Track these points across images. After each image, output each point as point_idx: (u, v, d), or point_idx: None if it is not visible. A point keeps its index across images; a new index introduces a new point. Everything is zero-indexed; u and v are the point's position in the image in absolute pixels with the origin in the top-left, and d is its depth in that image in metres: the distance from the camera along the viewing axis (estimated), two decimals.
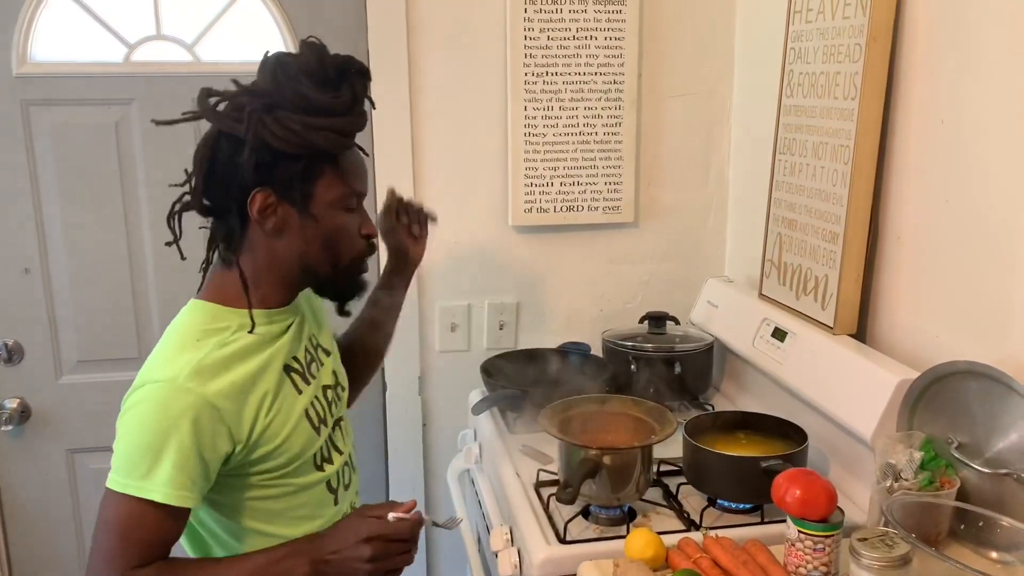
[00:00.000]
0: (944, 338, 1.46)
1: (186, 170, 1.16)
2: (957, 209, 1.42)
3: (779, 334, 1.75)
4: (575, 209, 2.11)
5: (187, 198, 1.17)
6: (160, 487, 1.07)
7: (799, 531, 1.20)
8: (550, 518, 1.47)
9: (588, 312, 2.20)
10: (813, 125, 1.70)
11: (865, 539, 1.11)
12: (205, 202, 1.15)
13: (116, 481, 1.09)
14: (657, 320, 1.99)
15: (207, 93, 1.13)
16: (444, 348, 2.15)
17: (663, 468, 1.60)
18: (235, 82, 1.14)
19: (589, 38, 2.03)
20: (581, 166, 2.09)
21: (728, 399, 2.01)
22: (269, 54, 1.14)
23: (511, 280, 2.13)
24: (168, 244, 1.18)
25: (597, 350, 2.03)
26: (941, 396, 1.35)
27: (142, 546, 1.09)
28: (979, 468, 1.27)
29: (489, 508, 1.67)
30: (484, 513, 1.71)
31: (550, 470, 1.60)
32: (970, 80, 1.38)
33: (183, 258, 1.20)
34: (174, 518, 1.11)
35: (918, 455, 1.28)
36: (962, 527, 1.26)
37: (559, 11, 2.01)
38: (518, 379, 1.92)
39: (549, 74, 2.03)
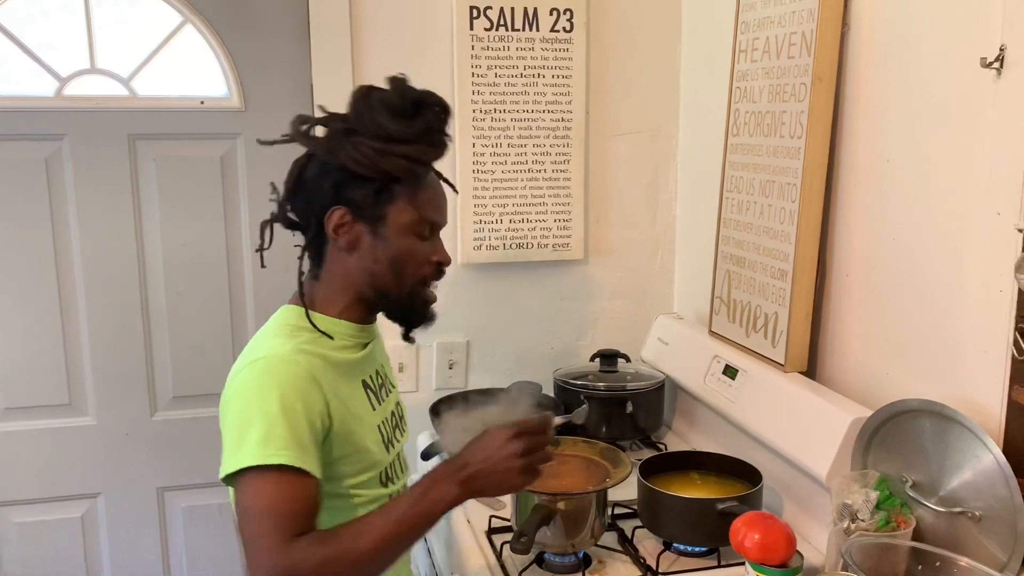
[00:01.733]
0: (895, 375, 1.46)
1: (272, 183, 1.28)
2: (904, 247, 1.43)
3: (730, 371, 1.74)
4: (525, 247, 2.09)
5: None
6: (280, 451, 1.09)
7: None
8: (503, 567, 1.42)
9: (539, 350, 2.17)
10: (760, 163, 1.71)
11: None
12: (290, 216, 1.25)
13: (237, 460, 1.09)
14: (608, 358, 1.97)
15: (301, 120, 1.24)
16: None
17: (617, 511, 1.57)
18: (322, 108, 1.25)
19: (537, 75, 2.03)
20: (530, 203, 2.07)
21: (680, 437, 1.99)
22: (359, 87, 1.23)
23: (461, 319, 2.10)
24: (257, 250, 1.25)
25: (548, 389, 2.00)
26: (894, 434, 1.35)
27: (287, 518, 1.08)
28: (934, 507, 1.26)
29: (439, 557, 1.61)
30: (434, 563, 1.65)
31: (502, 516, 1.55)
32: (913, 119, 1.40)
33: (263, 266, 1.30)
34: (303, 485, 1.11)
35: (874, 495, 1.27)
36: (919, 567, 1.25)
37: (506, 48, 2.00)
38: (467, 420, 1.87)
39: (497, 111, 2.02)
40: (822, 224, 1.59)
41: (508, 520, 1.52)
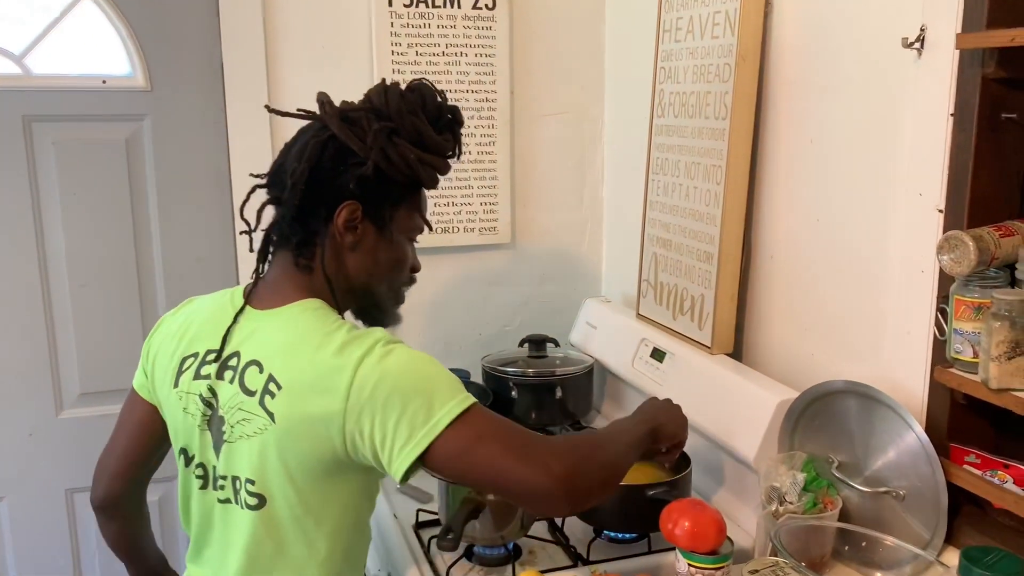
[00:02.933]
0: (820, 357, 1.46)
1: (280, 166, 1.17)
2: (827, 228, 1.44)
3: (658, 354, 1.73)
4: (451, 231, 2.04)
5: (270, 191, 1.18)
6: (467, 393, 1.08)
7: (689, 564, 1.16)
8: (431, 562, 1.39)
9: (467, 337, 2.13)
10: (685, 145, 1.69)
11: (756, 571, 1.08)
12: (300, 198, 1.15)
13: (447, 412, 1.04)
14: (537, 344, 1.94)
15: (328, 99, 1.18)
16: None
17: None
18: (369, 99, 1.18)
19: (459, 54, 1.97)
20: (456, 187, 2.02)
21: (610, 420, 1.97)
22: (388, 83, 1.19)
23: None
24: (242, 233, 1.19)
25: (477, 376, 1.96)
26: (821, 415, 1.35)
27: (523, 428, 1.10)
28: (859, 487, 1.27)
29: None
30: None
31: (430, 509, 1.51)
32: (835, 100, 1.40)
33: (252, 250, 1.21)
34: None
35: (801, 477, 1.28)
36: (846, 548, 1.26)
37: (427, 26, 1.94)
38: None
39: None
40: (747, 206, 1.58)
41: (436, 514, 1.48)
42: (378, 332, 1.12)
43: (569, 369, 1.88)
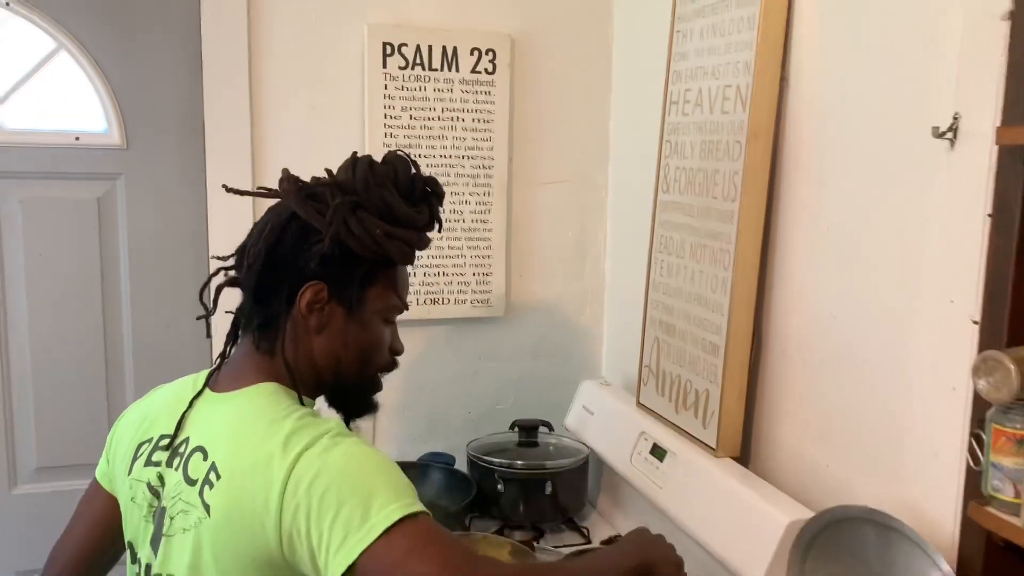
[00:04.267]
0: (835, 468, 1.32)
1: (239, 248, 1.11)
2: (844, 326, 1.30)
3: (658, 452, 1.58)
4: (440, 302, 1.91)
5: (231, 272, 1.12)
6: (416, 502, 0.97)
7: None
8: None
9: (455, 415, 1.99)
10: (691, 225, 1.56)
11: None
12: (258, 280, 1.09)
13: (386, 517, 0.93)
14: (528, 430, 1.80)
15: (290, 176, 1.11)
16: None
17: None
18: (328, 172, 1.12)
19: (456, 119, 1.86)
20: (447, 255, 1.90)
21: (605, 519, 1.83)
22: (359, 155, 1.13)
23: None
24: (200, 318, 1.14)
25: (463, 462, 1.82)
26: (835, 542, 1.19)
27: (462, 547, 1.00)
28: None
29: None
30: None
31: None
32: (857, 186, 1.27)
33: (208, 336, 1.16)
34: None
35: None
36: None
37: (422, 89, 1.83)
38: None
39: (412, 156, 1.83)
40: (757, 295, 1.45)
41: None
42: (331, 423, 1.02)
43: (562, 462, 1.73)
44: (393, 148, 1.79)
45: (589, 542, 1.72)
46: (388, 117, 1.82)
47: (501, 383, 2.01)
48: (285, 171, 1.11)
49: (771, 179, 1.42)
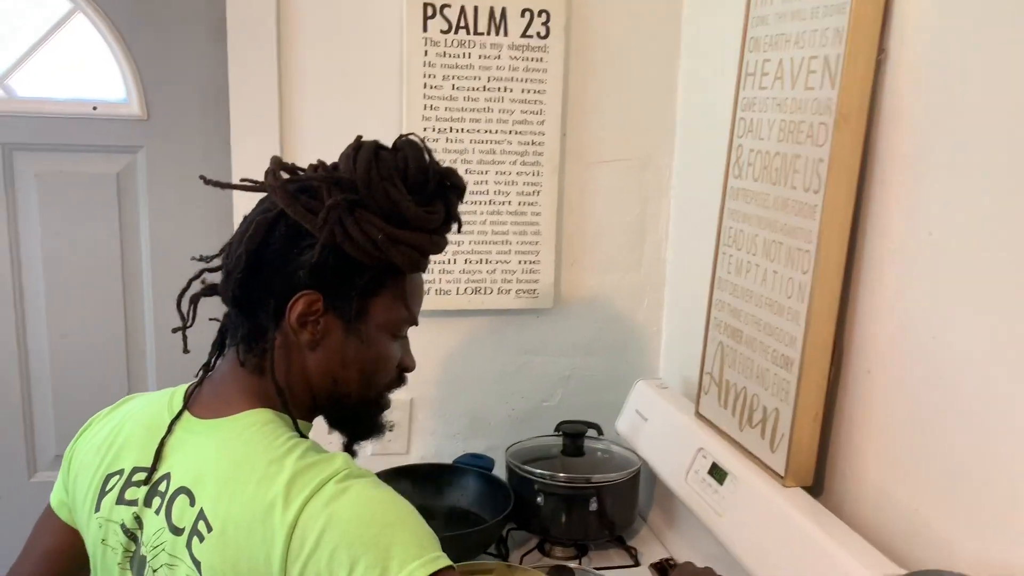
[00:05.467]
0: (928, 514, 1.12)
1: (224, 248, 0.96)
2: (945, 348, 1.09)
3: (718, 473, 1.40)
4: (483, 292, 1.75)
5: (207, 277, 0.98)
6: (440, 553, 0.85)
7: None
8: None
9: (497, 412, 1.83)
10: (766, 217, 1.36)
11: None
12: (238, 290, 0.95)
13: (411, 572, 0.81)
14: (573, 436, 1.63)
15: (279, 165, 0.95)
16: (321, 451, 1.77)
17: None
18: (320, 164, 0.96)
19: (503, 89, 1.68)
20: (491, 241, 1.73)
21: (656, 537, 1.66)
22: (362, 141, 0.96)
23: None
24: (175, 330, 0.99)
25: (501, 466, 1.67)
26: None
27: None
28: None
29: None
30: None
31: None
32: (965, 185, 1.05)
33: (186, 351, 0.99)
34: None
35: None
36: None
37: (467, 56, 1.65)
38: None
39: (453, 131, 1.67)
40: (840, 305, 1.24)
41: None
42: (337, 461, 0.88)
43: (610, 476, 1.56)
44: (434, 123, 1.67)
45: (637, 564, 1.56)
46: (428, 87, 1.65)
47: (548, 380, 1.84)
48: (274, 160, 0.96)
49: (862, 170, 1.21)
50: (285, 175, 0.95)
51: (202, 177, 0.99)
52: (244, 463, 0.88)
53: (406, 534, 0.84)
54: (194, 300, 0.98)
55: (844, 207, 1.21)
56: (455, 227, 1.01)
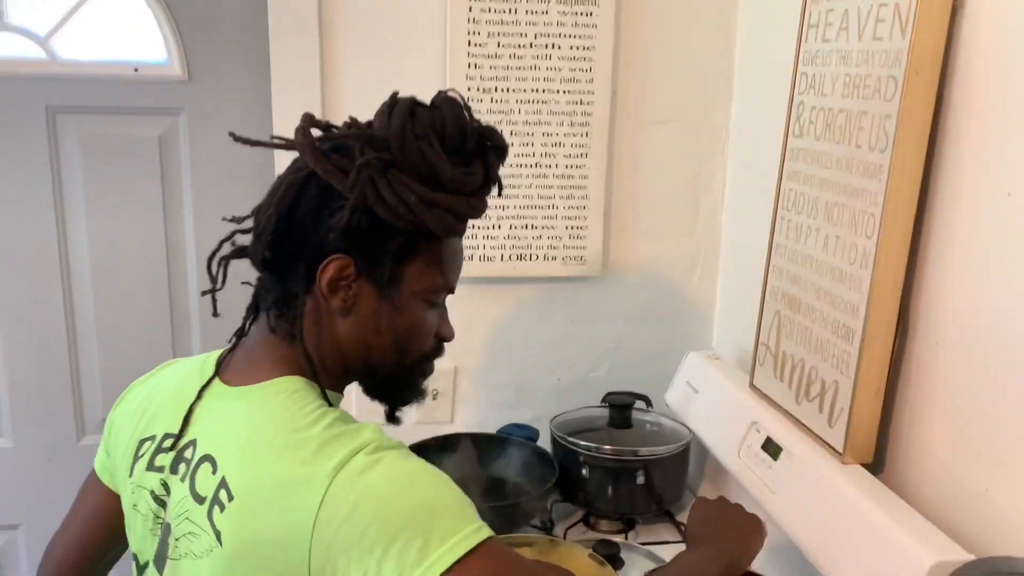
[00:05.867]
0: (999, 497, 1.04)
1: (255, 210, 0.93)
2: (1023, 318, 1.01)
3: (772, 448, 1.34)
4: (528, 258, 1.70)
5: (239, 239, 0.95)
6: (480, 524, 0.81)
7: None
8: None
9: (543, 382, 1.79)
10: (828, 179, 1.28)
11: None
12: (267, 253, 0.91)
13: (449, 551, 0.77)
14: (621, 408, 1.58)
15: (310, 122, 0.91)
16: (364, 419, 1.74)
17: None
18: (354, 121, 0.92)
19: (551, 47, 1.61)
20: (536, 205, 1.68)
21: None
22: (398, 98, 0.90)
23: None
24: (204, 293, 0.96)
25: (546, 436, 1.63)
26: None
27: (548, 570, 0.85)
28: None
29: None
30: None
31: None
32: None
33: (215, 314, 0.95)
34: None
35: None
36: None
37: (512, 11, 1.59)
38: None
39: (499, 90, 1.62)
40: (907, 272, 1.16)
41: None
42: (367, 432, 0.84)
43: (658, 450, 1.51)
44: (478, 82, 1.61)
45: (686, 539, 1.50)
46: (472, 45, 1.59)
47: (596, 350, 1.79)
48: (305, 116, 0.91)
49: (933, 127, 1.12)
50: (318, 133, 0.91)
51: (231, 134, 0.95)
52: (268, 431, 0.85)
53: (444, 506, 0.80)
54: (223, 262, 0.95)
55: (913, 167, 1.13)
56: (495, 190, 0.96)
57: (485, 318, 1.73)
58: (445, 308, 0.99)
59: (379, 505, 0.78)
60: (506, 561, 0.80)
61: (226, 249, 0.95)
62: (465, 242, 1.65)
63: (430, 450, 1.58)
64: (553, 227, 1.69)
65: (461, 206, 0.91)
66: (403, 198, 0.86)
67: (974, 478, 1.08)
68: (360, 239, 0.88)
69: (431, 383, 1.69)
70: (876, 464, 1.22)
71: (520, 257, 1.69)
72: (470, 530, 0.78)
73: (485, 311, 1.73)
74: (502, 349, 1.75)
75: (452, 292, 0.97)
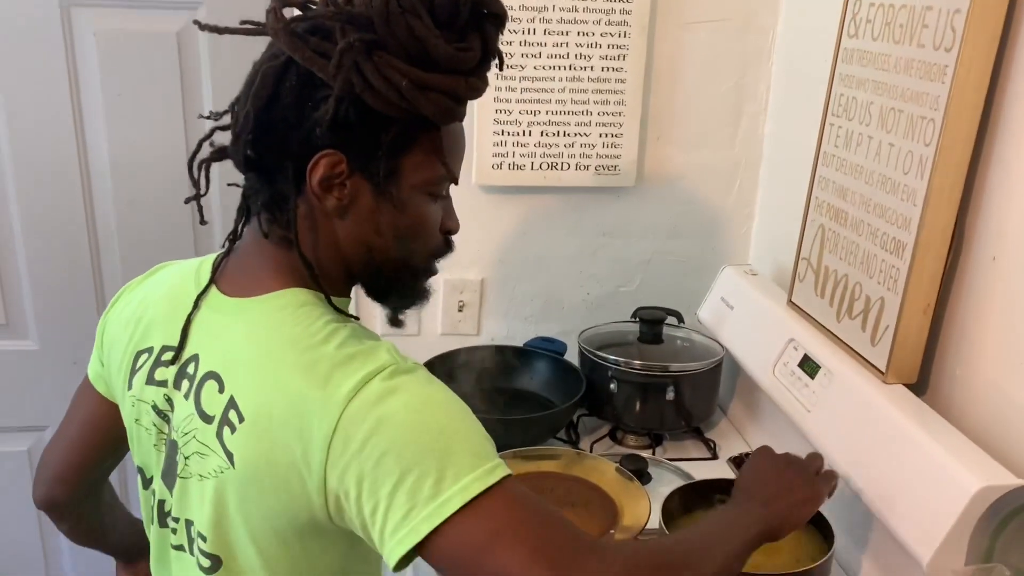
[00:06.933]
0: None
1: (233, 104, 0.85)
2: None
3: (809, 366, 1.29)
4: (559, 167, 1.63)
5: (218, 139, 0.87)
6: (499, 463, 0.77)
7: None
8: None
9: (572, 296, 1.74)
10: (884, 82, 1.19)
11: None
12: (249, 153, 0.83)
13: (464, 489, 0.73)
14: (651, 323, 1.53)
15: (279, 4, 0.80)
16: (389, 331, 1.70)
17: None
18: (341, 4, 0.80)
19: None
20: (570, 111, 1.60)
21: (737, 431, 1.57)
22: None
23: (475, 251, 1.68)
24: (188, 200, 0.89)
25: (573, 351, 1.59)
26: None
27: (567, 524, 0.76)
28: None
29: None
30: None
31: None
32: None
33: (203, 222, 0.89)
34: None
35: None
36: None
37: None
38: (466, 387, 1.51)
39: None
40: (966, 183, 1.09)
41: None
42: (382, 352, 0.79)
43: (689, 365, 1.46)
44: None
45: (715, 457, 1.47)
46: None
47: (627, 264, 1.73)
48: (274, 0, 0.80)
49: (1007, 20, 1.02)
50: (294, 13, 0.81)
51: (196, 22, 0.86)
52: (277, 350, 0.80)
53: (462, 440, 0.76)
54: (204, 165, 0.87)
55: (981, 67, 1.04)
56: (495, 65, 0.85)
57: (513, 228, 1.68)
58: (450, 199, 0.92)
59: (394, 436, 0.74)
60: (518, 504, 0.74)
61: (206, 151, 0.87)
62: (493, 149, 1.60)
63: (456, 362, 1.55)
64: (587, 134, 1.61)
65: (459, 87, 0.81)
66: (393, 83, 0.77)
67: None
68: (350, 132, 0.80)
69: (458, 295, 1.69)
70: (920, 385, 1.17)
71: (551, 166, 1.62)
72: (485, 469, 0.74)
73: (514, 221, 1.67)
74: (531, 261, 1.70)
75: (456, 182, 0.89)
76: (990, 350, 1.08)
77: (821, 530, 1.10)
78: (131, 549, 1.16)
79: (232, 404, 0.80)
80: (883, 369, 1.17)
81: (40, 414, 1.75)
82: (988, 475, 0.96)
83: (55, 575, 1.90)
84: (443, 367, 1.53)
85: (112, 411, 0.98)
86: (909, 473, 1.04)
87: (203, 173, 0.87)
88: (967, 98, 1.05)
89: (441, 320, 1.72)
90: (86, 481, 1.06)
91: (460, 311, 1.72)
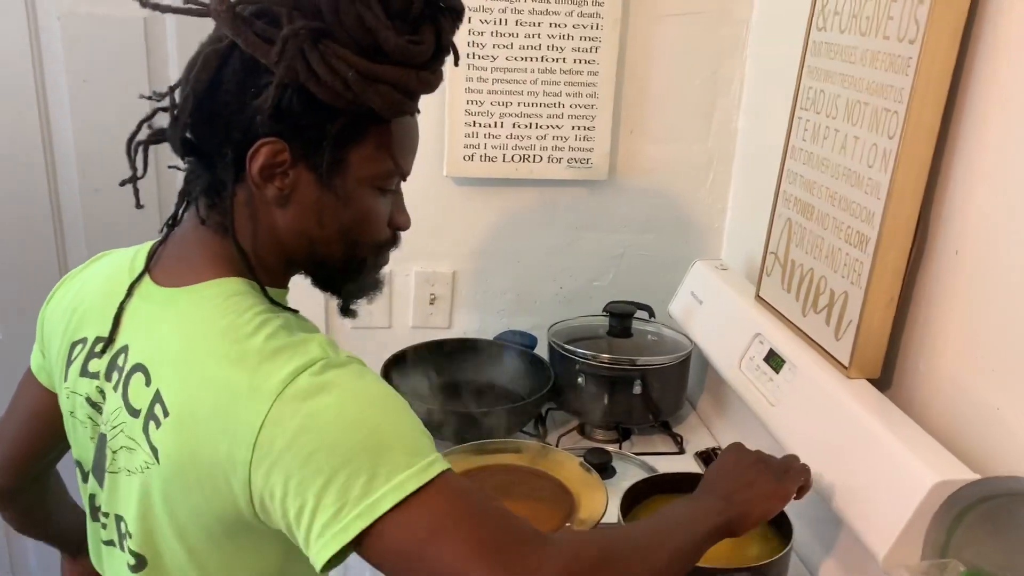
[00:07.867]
0: (1009, 415, 0.98)
1: (171, 87, 0.82)
2: None
3: (775, 361, 1.28)
4: (531, 159, 1.62)
5: (158, 122, 0.85)
6: (438, 459, 0.74)
7: None
8: None
9: (544, 289, 1.73)
10: (851, 75, 1.18)
11: None
12: (188, 136, 0.81)
13: (398, 487, 0.70)
14: (621, 317, 1.52)
15: None
16: (359, 323, 1.70)
17: None
18: None
19: None
20: (542, 103, 1.59)
21: (704, 425, 1.56)
22: None
23: (446, 244, 1.66)
24: (123, 183, 0.85)
25: (544, 345, 1.58)
26: (998, 518, 0.89)
27: (511, 517, 0.74)
28: None
29: None
30: None
31: None
32: None
33: (139, 206, 0.86)
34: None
35: None
36: None
37: None
38: (433, 380, 1.50)
39: None
40: (929, 176, 1.08)
41: None
42: (313, 345, 0.76)
43: (656, 360, 1.46)
44: None
45: (682, 452, 1.46)
46: None
47: (600, 258, 1.72)
48: None
49: (971, 11, 1.02)
50: (240, 5, 0.77)
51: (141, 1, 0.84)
52: (203, 342, 0.77)
53: (396, 438, 0.73)
54: (142, 147, 0.84)
55: (945, 59, 1.03)
56: (450, 60, 0.84)
57: (485, 222, 1.67)
58: (400, 193, 0.89)
59: (324, 434, 0.71)
60: (458, 498, 0.72)
61: (145, 132, 0.85)
62: (464, 140, 1.58)
63: (425, 355, 1.54)
64: (559, 127, 1.60)
65: (409, 80, 0.78)
66: (339, 73, 0.75)
67: (986, 396, 1.02)
68: (294, 121, 0.77)
69: (430, 288, 1.67)
70: (883, 380, 1.16)
71: (523, 159, 1.61)
72: (420, 466, 0.71)
73: (485, 214, 1.66)
74: (503, 255, 1.69)
75: (405, 178, 0.87)
76: (952, 345, 1.08)
77: (780, 525, 1.09)
78: (77, 542, 1.14)
79: (158, 398, 0.77)
80: (846, 364, 1.16)
81: (6, 405, 1.72)
82: (945, 470, 0.95)
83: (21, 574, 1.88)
84: (412, 359, 1.51)
85: (55, 402, 0.95)
86: (868, 468, 1.03)
87: (143, 155, 0.85)
88: (930, 91, 1.05)
89: (412, 313, 1.70)
90: (30, 472, 1.04)
91: (431, 304, 1.71)
